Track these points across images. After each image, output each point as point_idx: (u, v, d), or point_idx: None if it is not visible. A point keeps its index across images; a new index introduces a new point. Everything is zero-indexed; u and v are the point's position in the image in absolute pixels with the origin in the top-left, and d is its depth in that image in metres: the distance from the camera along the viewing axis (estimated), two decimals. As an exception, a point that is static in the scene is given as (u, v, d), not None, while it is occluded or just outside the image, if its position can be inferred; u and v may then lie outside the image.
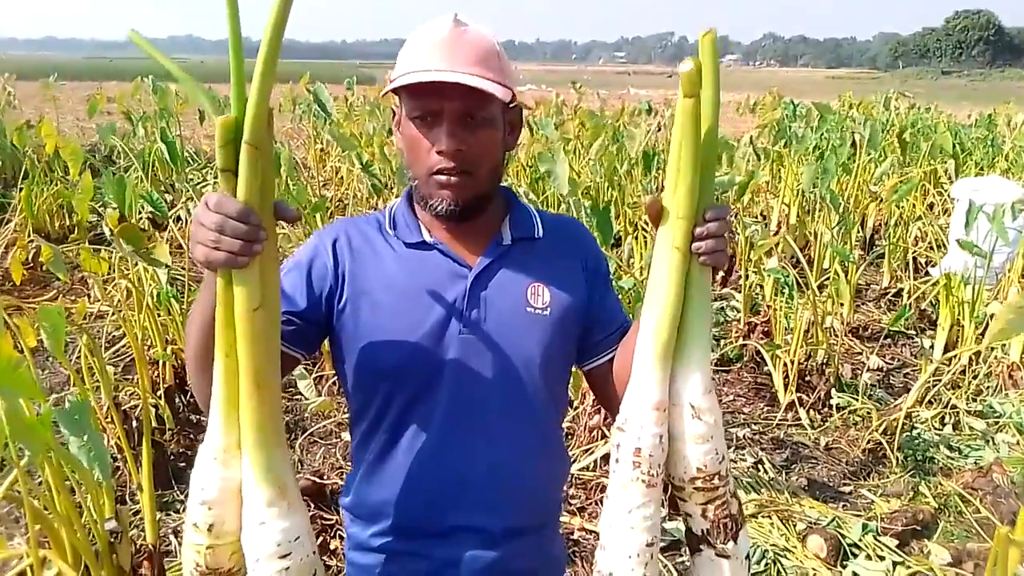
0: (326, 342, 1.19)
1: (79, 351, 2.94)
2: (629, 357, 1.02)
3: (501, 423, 1.14)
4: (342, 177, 7.35)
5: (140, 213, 4.96)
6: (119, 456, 2.66)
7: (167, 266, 2.76)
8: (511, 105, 1.14)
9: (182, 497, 2.74)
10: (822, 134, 7.30)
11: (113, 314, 3.64)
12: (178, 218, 5.21)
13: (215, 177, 0.90)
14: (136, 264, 3.41)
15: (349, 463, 3.00)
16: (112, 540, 1.94)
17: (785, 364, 3.57)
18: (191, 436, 3.05)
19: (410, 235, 1.16)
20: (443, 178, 1.07)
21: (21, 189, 5.26)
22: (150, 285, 3.32)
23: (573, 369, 1.26)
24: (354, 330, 1.12)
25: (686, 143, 0.94)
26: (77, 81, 19.97)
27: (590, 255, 1.23)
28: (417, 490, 1.14)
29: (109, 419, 2.67)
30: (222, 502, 0.93)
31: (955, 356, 3.67)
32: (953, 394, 3.68)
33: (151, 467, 2.36)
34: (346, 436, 3.15)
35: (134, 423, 2.76)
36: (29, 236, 5.09)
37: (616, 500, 1.00)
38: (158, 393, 3.09)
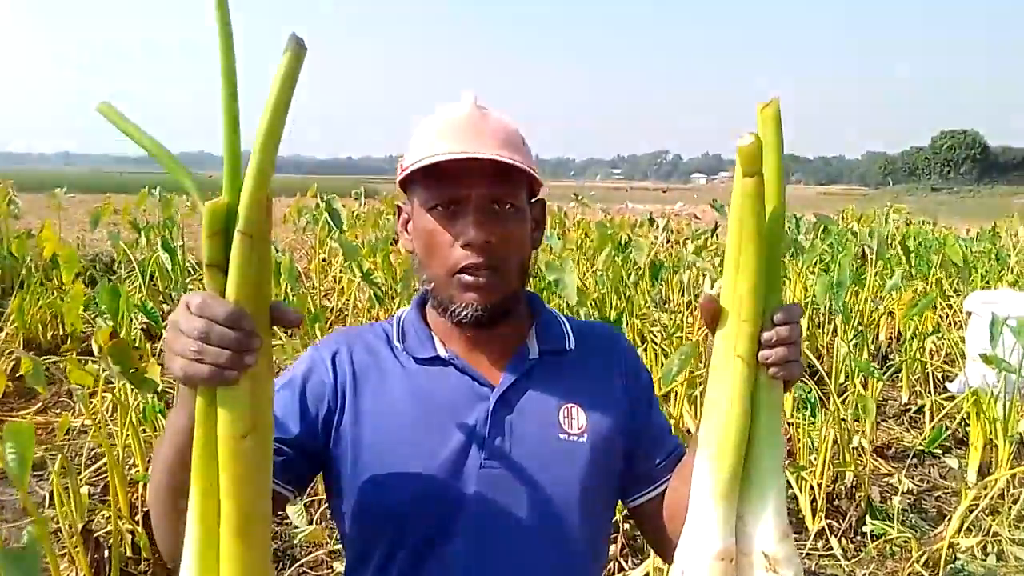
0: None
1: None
2: (685, 490, 0.84)
3: None
4: (343, 287, 7.26)
5: (134, 324, 4.82)
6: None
7: (156, 390, 2.58)
8: (533, 200, 1.02)
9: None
10: (825, 248, 7.28)
11: (95, 430, 3.43)
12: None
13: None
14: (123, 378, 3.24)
15: (341, 598, 2.74)
16: None
17: (812, 487, 3.34)
18: (169, 568, 2.78)
19: (421, 349, 0.99)
20: (469, 278, 0.92)
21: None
22: (135, 399, 3.14)
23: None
24: (354, 461, 0.94)
25: (748, 229, 0.79)
26: (86, 194, 20.28)
27: (629, 367, 1.06)
28: None
29: (78, 548, 2.43)
30: None
31: (992, 480, 3.43)
32: (993, 520, 3.42)
33: (119, 606, 2.11)
34: (338, 566, 2.88)
35: (106, 552, 2.51)
36: (19, 347, 4.93)
37: (674, 677, 0.80)
38: (136, 518, 2.85)
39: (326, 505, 3.19)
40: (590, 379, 1.02)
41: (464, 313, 0.94)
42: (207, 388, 0.72)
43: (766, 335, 0.80)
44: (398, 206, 1.05)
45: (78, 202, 16.25)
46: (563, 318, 1.09)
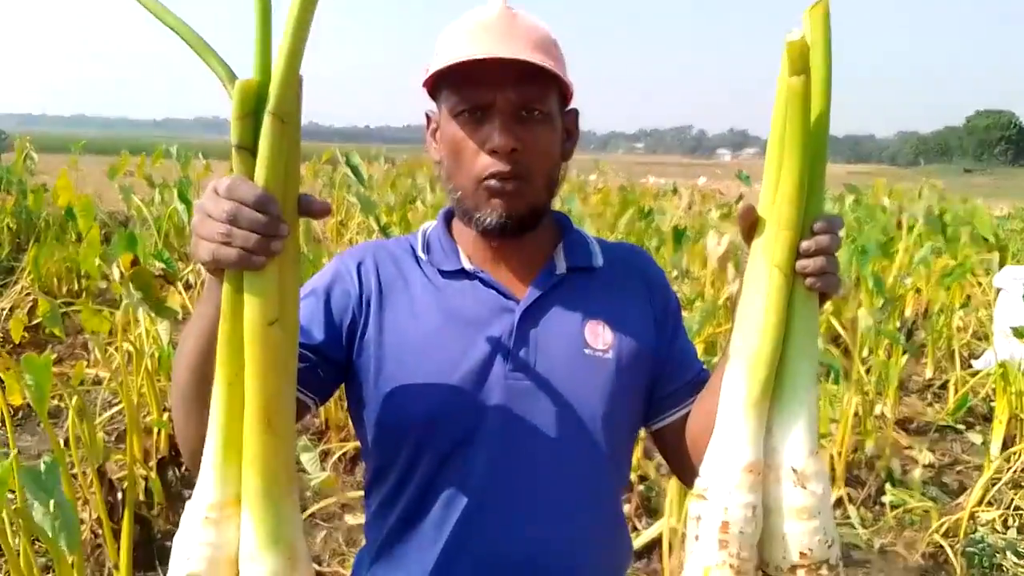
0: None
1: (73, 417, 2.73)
2: (708, 415, 0.80)
3: (555, 491, 0.92)
4: (359, 249, 7.26)
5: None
6: (100, 532, 2.40)
7: (175, 318, 2.55)
8: (566, 109, 0.97)
9: (165, 582, 2.46)
10: (852, 222, 7.15)
11: (111, 380, 3.44)
12: (188, 285, 5.08)
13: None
14: (139, 325, 3.23)
15: (352, 549, 2.73)
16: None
17: (831, 456, 3.29)
18: (181, 513, 2.79)
19: (446, 261, 0.96)
20: (495, 184, 0.88)
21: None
22: (151, 347, 3.13)
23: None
24: (377, 371, 0.91)
25: (792, 133, 0.74)
26: (101, 156, 20.35)
27: (657, 289, 1.02)
28: (447, 574, 0.90)
29: (93, 489, 2.44)
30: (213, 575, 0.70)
31: (1015, 451, 3.37)
32: (1015, 494, 3.36)
33: (131, 544, 2.11)
34: (350, 519, 2.88)
35: (119, 495, 2.51)
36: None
37: (697, 591, 0.75)
38: (150, 464, 2.86)
39: (339, 457, 3.18)
40: (617, 297, 0.99)
41: (489, 220, 0.91)
42: (234, 274, 0.70)
43: (805, 244, 0.76)
44: (427, 114, 1.01)
45: (93, 163, 16.34)
46: (591, 237, 1.05)
